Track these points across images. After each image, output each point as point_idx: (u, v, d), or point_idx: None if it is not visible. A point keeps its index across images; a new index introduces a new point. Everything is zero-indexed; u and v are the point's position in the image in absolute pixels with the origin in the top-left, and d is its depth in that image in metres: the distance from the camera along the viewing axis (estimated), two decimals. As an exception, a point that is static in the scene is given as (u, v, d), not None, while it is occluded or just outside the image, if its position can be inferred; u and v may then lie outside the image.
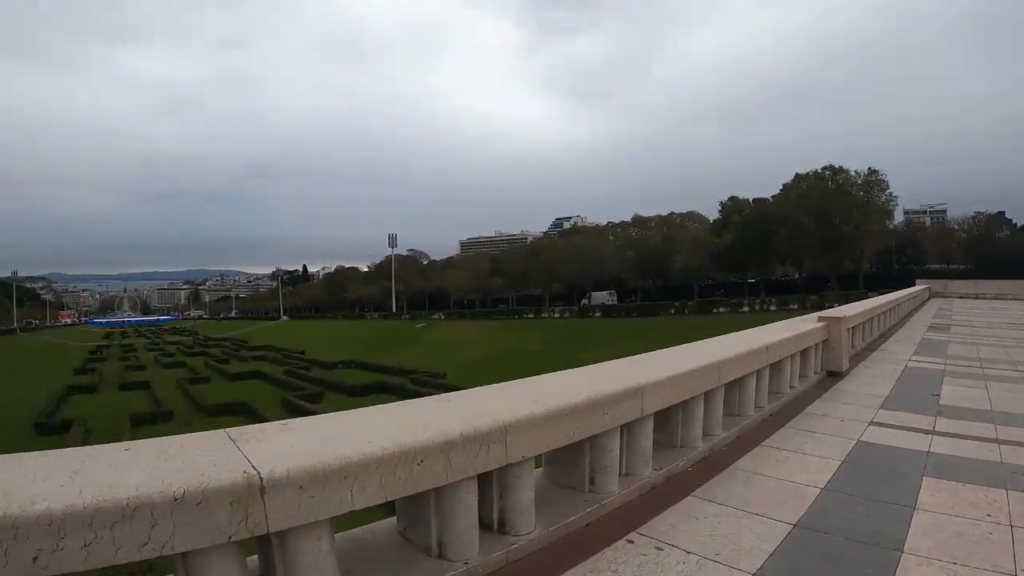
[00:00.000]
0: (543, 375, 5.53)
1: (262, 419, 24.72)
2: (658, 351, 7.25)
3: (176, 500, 2.59)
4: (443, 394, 4.46)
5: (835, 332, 11.53)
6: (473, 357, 55.32)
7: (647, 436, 5.35)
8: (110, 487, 2.57)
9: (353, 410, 4.02)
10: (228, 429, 3.40)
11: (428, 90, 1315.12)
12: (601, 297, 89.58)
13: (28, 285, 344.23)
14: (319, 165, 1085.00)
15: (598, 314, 58.94)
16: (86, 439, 30.01)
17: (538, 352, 50.76)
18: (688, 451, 6.05)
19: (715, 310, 61.16)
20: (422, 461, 3.31)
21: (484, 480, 3.84)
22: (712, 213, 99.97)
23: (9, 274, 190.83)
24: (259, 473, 2.78)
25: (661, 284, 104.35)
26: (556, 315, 65.26)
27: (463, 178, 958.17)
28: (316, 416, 3.83)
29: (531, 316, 68.50)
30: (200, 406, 38.70)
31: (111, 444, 3.26)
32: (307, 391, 42.04)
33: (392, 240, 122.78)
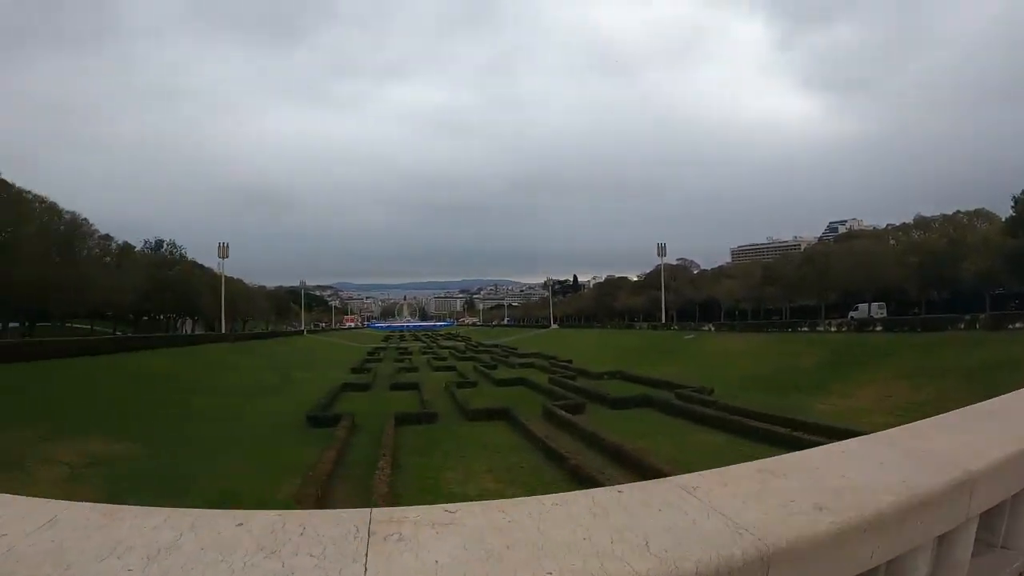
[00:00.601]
0: (819, 449, 3.81)
1: (522, 427, 24.87)
2: (976, 406, 5.14)
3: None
4: (683, 479, 2.89)
5: None
6: (742, 372, 52.16)
7: (967, 545, 3.49)
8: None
9: (548, 497, 2.69)
10: (376, 511, 2.38)
11: (687, 96, 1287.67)
12: (871, 309, 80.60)
13: (317, 293, 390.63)
14: (585, 176, 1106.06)
15: (878, 328, 52.78)
16: (352, 433, 32.18)
17: (810, 370, 46.64)
18: (1012, 556, 3.97)
19: (1010, 325, 51.75)
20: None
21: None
22: (1004, 210, 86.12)
23: (297, 283, 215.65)
24: (361, 614, 1.73)
25: (946, 295, 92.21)
26: (832, 328, 59.62)
27: (731, 184, 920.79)
28: (499, 503, 2.54)
29: (804, 329, 63.29)
30: (464, 410, 39.97)
31: (233, 513, 2.40)
32: (569, 401, 41.71)
33: (661, 249, 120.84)
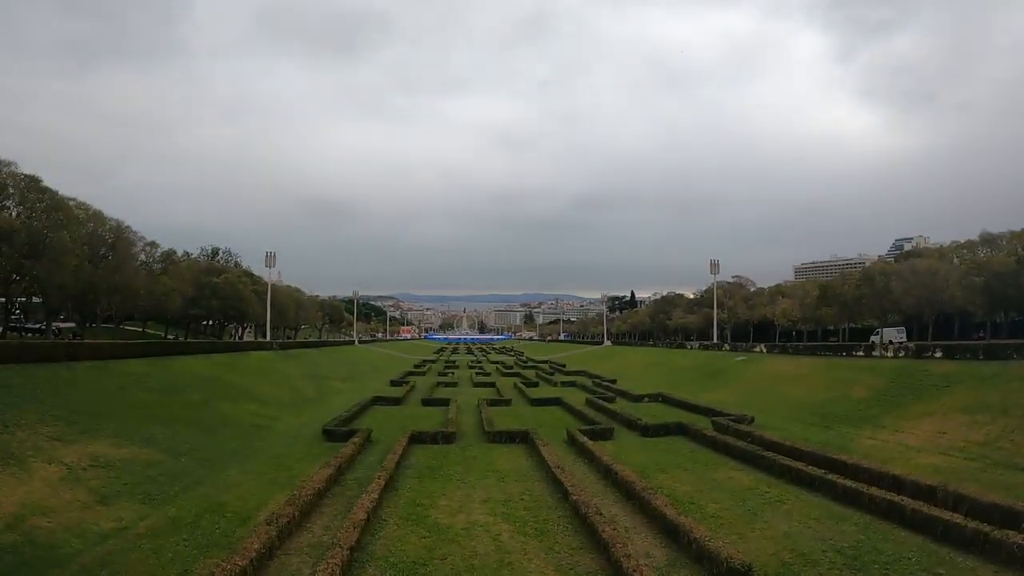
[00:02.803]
0: None
1: (537, 453, 23.34)
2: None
3: None
4: None
5: None
6: (789, 399, 49.21)
7: None
8: None
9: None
10: None
11: (748, 110, 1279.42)
12: (890, 334, 75.49)
13: (378, 303, 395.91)
14: (646, 192, 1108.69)
15: (938, 354, 49.17)
16: (362, 450, 31.70)
17: (862, 402, 43.39)
18: None
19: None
20: None
21: None
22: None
23: (351, 294, 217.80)
24: None
25: (1015, 316, 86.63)
26: (889, 353, 55.90)
27: (795, 199, 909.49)
28: None
29: (860, 353, 59.60)
30: (484, 431, 38.57)
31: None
32: (598, 426, 39.82)
33: (714, 267, 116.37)
